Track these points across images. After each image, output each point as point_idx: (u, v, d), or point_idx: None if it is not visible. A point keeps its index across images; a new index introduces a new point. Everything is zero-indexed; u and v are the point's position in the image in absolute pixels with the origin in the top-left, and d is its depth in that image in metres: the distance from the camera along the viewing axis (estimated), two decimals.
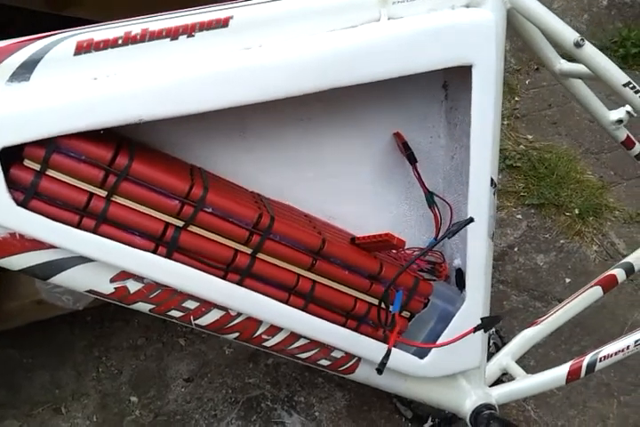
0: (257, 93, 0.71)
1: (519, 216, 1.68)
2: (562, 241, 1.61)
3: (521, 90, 2.18)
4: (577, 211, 1.70)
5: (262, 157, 0.88)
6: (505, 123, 2.03)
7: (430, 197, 0.94)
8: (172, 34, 0.69)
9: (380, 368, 0.71)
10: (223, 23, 0.71)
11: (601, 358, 1.01)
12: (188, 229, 0.72)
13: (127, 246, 0.70)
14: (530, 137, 1.97)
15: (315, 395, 1.23)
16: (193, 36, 0.70)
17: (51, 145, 0.66)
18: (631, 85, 0.92)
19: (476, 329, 0.75)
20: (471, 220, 0.69)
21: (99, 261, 0.70)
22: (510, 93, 2.15)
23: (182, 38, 0.70)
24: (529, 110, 2.09)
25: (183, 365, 1.28)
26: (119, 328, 1.34)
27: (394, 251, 0.90)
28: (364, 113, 0.91)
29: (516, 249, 1.58)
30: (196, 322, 0.77)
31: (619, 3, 2.51)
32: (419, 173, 0.93)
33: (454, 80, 0.90)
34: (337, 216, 0.95)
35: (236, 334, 0.80)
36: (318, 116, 0.88)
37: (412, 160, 0.91)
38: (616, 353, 1.02)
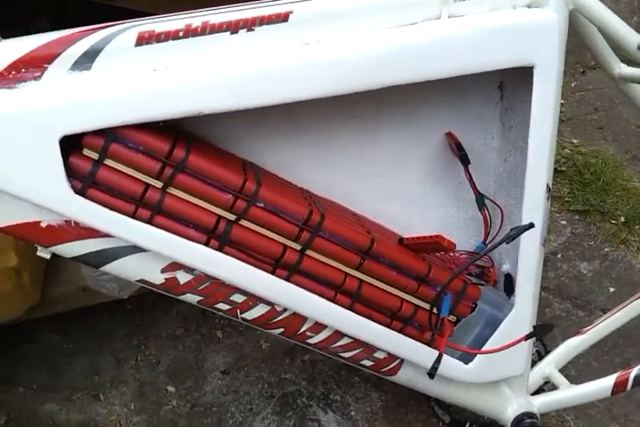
0: (314, 89, 0.71)
1: (563, 222, 1.65)
2: (606, 249, 1.57)
3: (567, 93, 2.14)
4: (623, 219, 1.65)
5: (313, 153, 0.87)
6: None
7: (481, 199, 0.92)
8: (233, 27, 0.69)
9: (432, 373, 0.70)
10: (283, 18, 0.70)
11: None
12: (240, 223, 0.72)
13: (180, 238, 0.70)
14: (575, 141, 1.92)
15: (351, 394, 1.22)
16: (253, 30, 0.70)
17: (110, 135, 0.67)
18: None
19: (527, 337, 0.74)
20: (532, 225, 0.67)
21: (151, 252, 0.71)
22: None
23: (242, 32, 0.70)
24: (574, 114, 2.05)
25: (220, 357, 1.28)
26: (158, 318, 1.35)
27: (442, 253, 0.89)
28: (416, 112, 0.90)
29: (559, 256, 1.55)
30: (243, 316, 0.77)
31: None
32: (470, 175, 0.91)
33: (511, 81, 0.89)
34: (384, 215, 0.94)
35: (281, 330, 0.80)
36: (370, 113, 0.88)
37: (465, 161, 0.90)
38: None
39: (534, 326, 0.75)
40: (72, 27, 0.68)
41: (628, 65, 0.97)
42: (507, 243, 0.68)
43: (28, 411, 1.19)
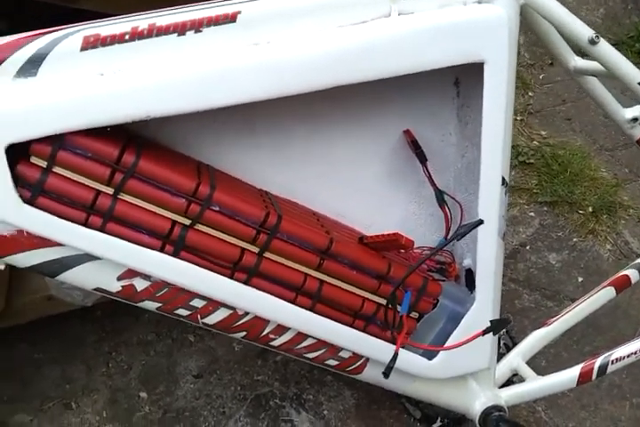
0: (265, 91, 0.70)
1: (532, 214, 1.66)
2: (575, 239, 1.59)
3: (535, 85, 2.15)
4: (590, 209, 1.67)
5: (271, 154, 0.87)
6: (518, 118, 2.00)
7: (440, 195, 0.93)
8: (180, 29, 0.69)
9: (387, 372, 0.70)
10: (231, 18, 0.70)
11: (613, 361, 1.00)
12: (195, 227, 0.71)
13: (134, 245, 0.69)
14: (543, 133, 1.94)
15: (323, 393, 1.22)
16: (201, 31, 0.69)
17: (57, 142, 0.66)
18: None
19: (484, 332, 0.74)
20: (480, 222, 0.68)
21: (105, 260, 0.70)
22: (524, 88, 2.13)
23: (190, 34, 0.69)
24: (543, 106, 2.06)
25: (192, 361, 1.28)
26: (129, 324, 1.34)
27: (403, 251, 0.89)
28: (373, 110, 0.90)
29: (528, 247, 1.57)
30: (203, 321, 0.77)
31: None
32: (429, 172, 0.92)
33: (466, 77, 0.89)
34: (345, 214, 0.94)
35: (243, 333, 0.79)
36: (327, 113, 0.87)
37: (422, 159, 0.90)
38: (628, 356, 1.01)
39: (491, 321, 0.75)
40: (32, 30, 0.67)
41: (582, 58, 0.99)
42: (457, 240, 0.69)
43: None
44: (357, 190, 0.93)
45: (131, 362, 1.28)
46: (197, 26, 0.69)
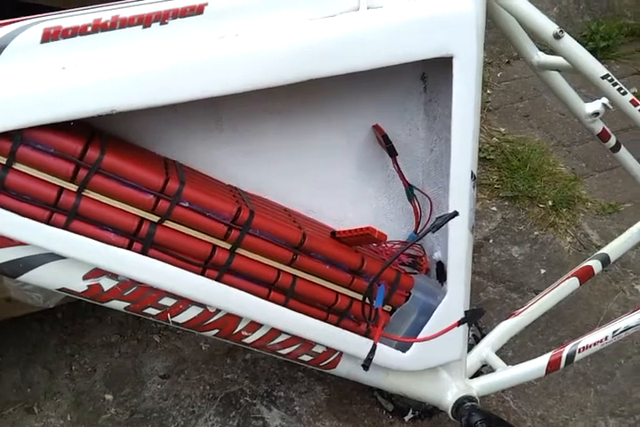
0: (232, 85, 0.69)
1: (494, 208, 1.69)
2: (536, 233, 1.63)
3: (493, 83, 2.19)
4: (550, 203, 1.71)
5: (240, 149, 0.86)
6: None
7: (410, 190, 0.93)
8: (145, 21, 0.67)
9: (367, 364, 0.70)
10: (197, 10, 0.68)
11: (580, 349, 1.02)
12: (164, 224, 0.69)
13: (100, 243, 0.67)
14: (502, 130, 1.97)
15: (294, 389, 1.21)
16: (166, 23, 0.67)
17: (17, 137, 0.63)
18: (609, 78, 0.92)
19: (460, 323, 0.75)
20: (455, 213, 0.68)
21: (70, 259, 0.68)
22: (482, 86, 2.16)
23: (155, 26, 0.67)
24: (501, 103, 2.10)
25: (159, 361, 1.25)
26: (92, 325, 1.31)
27: (375, 244, 0.89)
28: (342, 105, 0.89)
29: (491, 241, 1.59)
30: (174, 320, 0.75)
31: None
32: (398, 166, 0.92)
33: (433, 72, 0.89)
34: (316, 209, 0.93)
35: (216, 331, 0.78)
36: (296, 108, 0.87)
37: (392, 153, 0.90)
38: (595, 344, 1.03)
39: (466, 312, 0.76)
40: None
41: (545, 53, 1.00)
42: (432, 232, 0.69)
43: None
44: (328, 185, 0.93)
45: (95, 364, 1.24)
46: (163, 18, 0.67)
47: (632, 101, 0.95)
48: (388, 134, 0.92)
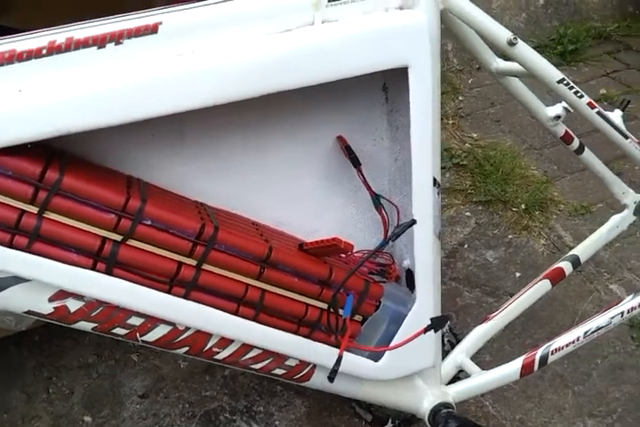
0: (190, 101, 0.69)
1: (468, 213, 1.71)
2: (510, 236, 1.65)
3: (464, 89, 2.22)
4: (523, 206, 1.73)
5: (205, 165, 0.86)
6: (450, 122, 2.06)
7: (377, 199, 0.94)
8: (99, 42, 0.67)
9: (332, 376, 0.70)
10: (152, 29, 0.69)
11: (553, 351, 1.03)
12: (127, 243, 0.69)
13: (63, 264, 0.67)
14: (475, 135, 2.00)
15: (274, 404, 1.21)
16: (121, 43, 0.68)
17: None
18: (565, 82, 0.94)
19: (426, 330, 0.75)
20: (413, 222, 0.69)
21: (35, 281, 0.67)
22: (454, 93, 2.19)
23: (110, 46, 0.67)
24: (473, 109, 2.13)
25: (137, 381, 1.24)
26: (69, 347, 1.29)
27: (344, 255, 0.90)
28: (306, 117, 0.90)
29: (466, 246, 1.61)
30: (143, 338, 0.75)
31: (555, 1, 2.59)
32: (364, 176, 0.93)
33: (393, 82, 0.91)
34: (285, 222, 0.94)
35: (186, 349, 0.78)
36: (261, 121, 0.87)
37: (356, 163, 0.91)
38: (567, 345, 1.04)
39: (431, 319, 0.77)
40: None
41: (504, 60, 1.02)
42: (392, 241, 0.70)
43: None
44: (295, 198, 0.94)
45: (73, 386, 1.23)
46: (118, 38, 0.67)
47: (589, 104, 0.97)
48: (354, 145, 0.93)
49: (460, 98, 2.20)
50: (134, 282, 0.70)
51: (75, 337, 1.30)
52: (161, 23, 0.69)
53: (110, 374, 1.25)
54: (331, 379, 0.70)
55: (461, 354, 1.05)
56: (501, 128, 2.06)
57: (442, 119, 2.06)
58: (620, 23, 2.62)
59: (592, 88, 2.22)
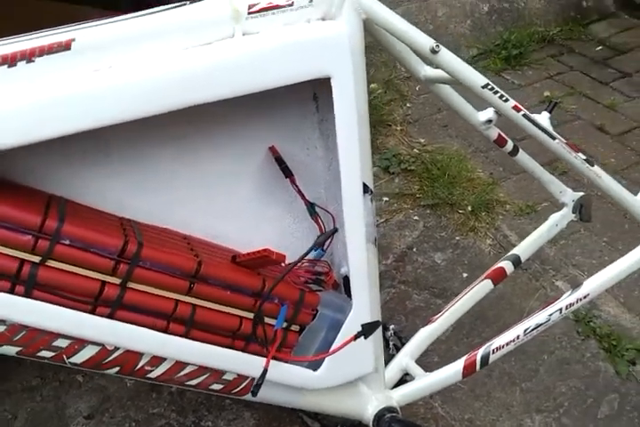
0: (109, 115, 0.69)
1: (416, 217, 1.72)
2: (457, 238, 1.67)
3: (412, 96, 2.25)
4: (470, 208, 1.76)
5: (131, 181, 0.85)
6: (398, 128, 2.08)
7: (312, 208, 0.94)
8: (10, 60, 0.66)
9: (255, 390, 0.70)
10: (65, 46, 0.68)
11: (494, 350, 1.05)
12: (47, 264, 0.68)
13: None
14: (422, 140, 2.03)
15: (222, 417, 1.20)
16: (33, 61, 0.67)
17: None
18: (489, 86, 0.95)
19: (356, 336, 0.75)
20: (335, 230, 0.69)
21: None
22: (402, 100, 2.22)
23: (21, 64, 0.66)
24: (420, 115, 2.16)
25: (83, 402, 1.21)
26: (11, 370, 1.26)
27: (279, 266, 0.89)
28: (237, 129, 0.90)
29: (414, 249, 1.62)
30: (70, 361, 0.73)
31: (498, 8, 2.65)
32: (297, 186, 0.93)
33: (323, 92, 0.91)
34: (221, 235, 0.93)
35: (117, 369, 0.76)
36: (191, 133, 0.87)
37: (288, 173, 0.91)
38: (507, 344, 1.06)
39: (362, 325, 0.77)
40: None
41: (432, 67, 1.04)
42: (314, 250, 0.70)
43: None
44: (230, 210, 0.93)
45: (15, 411, 1.20)
46: (29, 56, 0.66)
47: (514, 107, 0.99)
48: (288, 155, 0.93)
49: (408, 105, 2.23)
50: (56, 303, 0.68)
51: (17, 360, 1.25)
52: (74, 40, 0.68)
53: (55, 396, 1.22)
54: (254, 393, 0.70)
55: (406, 357, 1.06)
56: (448, 133, 2.09)
57: (390, 126, 2.10)
58: (563, 27, 2.70)
59: (536, 90, 2.27)
